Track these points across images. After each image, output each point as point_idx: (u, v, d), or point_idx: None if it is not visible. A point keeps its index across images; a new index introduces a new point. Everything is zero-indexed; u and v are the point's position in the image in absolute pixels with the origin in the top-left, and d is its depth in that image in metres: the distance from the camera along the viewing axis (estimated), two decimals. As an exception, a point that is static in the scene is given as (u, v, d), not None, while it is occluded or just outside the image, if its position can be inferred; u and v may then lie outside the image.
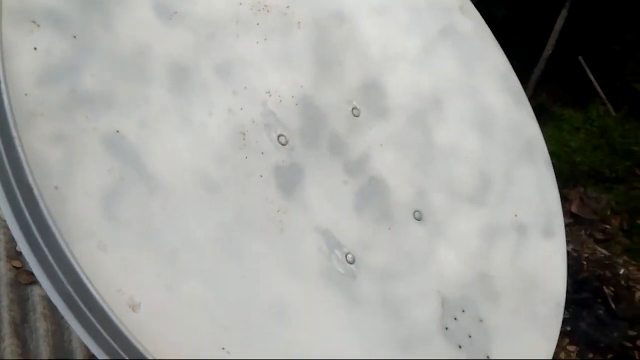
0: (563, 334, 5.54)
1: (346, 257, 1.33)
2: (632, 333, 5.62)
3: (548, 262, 1.57)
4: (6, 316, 1.86)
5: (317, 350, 1.12)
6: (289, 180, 1.32)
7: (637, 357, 5.32)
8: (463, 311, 1.41)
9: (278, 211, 1.27)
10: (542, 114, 8.77)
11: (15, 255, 2.01)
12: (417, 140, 1.61)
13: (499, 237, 1.57)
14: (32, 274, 1.76)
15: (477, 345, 1.37)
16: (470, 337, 1.37)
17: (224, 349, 1.00)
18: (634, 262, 6.52)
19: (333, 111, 1.48)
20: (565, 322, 5.23)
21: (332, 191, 1.40)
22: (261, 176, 1.28)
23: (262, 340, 1.06)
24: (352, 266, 1.32)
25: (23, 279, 1.96)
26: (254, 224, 1.21)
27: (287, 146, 1.36)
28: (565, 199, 7.13)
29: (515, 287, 1.51)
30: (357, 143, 1.50)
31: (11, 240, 2.07)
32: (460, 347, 1.34)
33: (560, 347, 5.33)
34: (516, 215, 1.61)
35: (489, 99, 1.74)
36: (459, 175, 1.62)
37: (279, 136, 1.35)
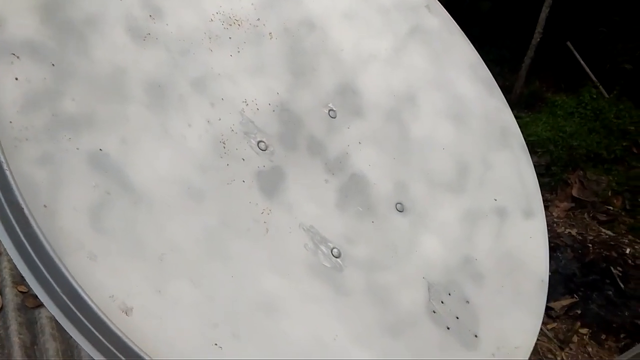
0: (574, 318, 5.55)
1: (332, 251, 1.39)
2: (643, 311, 5.62)
3: (529, 242, 1.63)
4: (16, 340, 1.92)
5: (306, 339, 1.18)
6: (271, 183, 1.39)
7: (649, 335, 5.32)
8: (449, 294, 1.46)
9: (262, 212, 1.33)
10: (535, 101, 8.83)
11: (20, 280, 2.08)
12: (394, 135, 1.67)
13: (480, 221, 1.63)
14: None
15: (465, 325, 1.42)
16: (457, 318, 1.43)
17: (216, 344, 1.05)
18: (638, 241, 6.53)
19: (310, 114, 1.55)
20: (575, 305, 5.20)
21: (314, 190, 1.46)
22: (243, 181, 1.34)
23: (253, 333, 1.12)
24: (338, 259, 1.38)
25: (29, 303, 2.03)
26: (239, 225, 1.27)
27: (266, 151, 1.42)
28: (565, 183, 7.18)
29: (499, 268, 1.56)
30: (336, 143, 1.56)
31: (16, 267, 2.14)
32: (448, 328, 1.40)
33: (572, 331, 5.33)
34: (495, 199, 1.67)
35: (461, 90, 1.80)
36: (437, 165, 1.68)
37: (259, 142, 1.42)
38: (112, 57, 1.24)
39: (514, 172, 1.73)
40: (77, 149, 1.08)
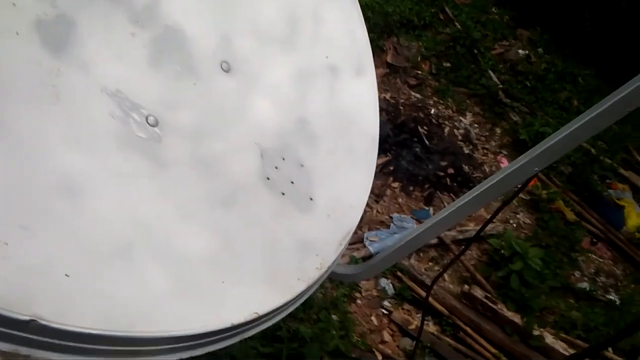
0: (387, 174, 6.11)
1: (146, 119, 1.17)
2: (443, 163, 6.41)
3: (360, 99, 1.58)
4: None
5: (121, 222, 1.00)
6: (57, 36, 1.08)
7: (448, 183, 6.13)
8: (283, 159, 1.37)
9: (49, 74, 1.04)
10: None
11: None
12: (214, -21, 1.42)
13: (313, 80, 1.52)
14: None
15: (300, 189, 1.36)
16: (292, 182, 1.35)
17: (6, 243, 0.82)
18: (441, 102, 7.25)
19: (101, -52, 1.21)
20: (389, 163, 5.64)
21: (118, 46, 1.19)
22: (17, 33, 1.02)
23: (50, 221, 0.90)
24: (155, 128, 1.18)
25: None
26: (18, 91, 0.98)
27: (46, -7, 1.08)
28: (381, 50, 7.47)
29: (333, 127, 1.50)
30: (141, -13, 1.26)
31: None
32: (283, 193, 1.32)
33: (386, 185, 5.90)
34: (327, 57, 1.56)
35: None
36: (266, 17, 1.49)
37: (33, -19, 1.07)
38: None
39: (345, 29, 1.62)
40: None
